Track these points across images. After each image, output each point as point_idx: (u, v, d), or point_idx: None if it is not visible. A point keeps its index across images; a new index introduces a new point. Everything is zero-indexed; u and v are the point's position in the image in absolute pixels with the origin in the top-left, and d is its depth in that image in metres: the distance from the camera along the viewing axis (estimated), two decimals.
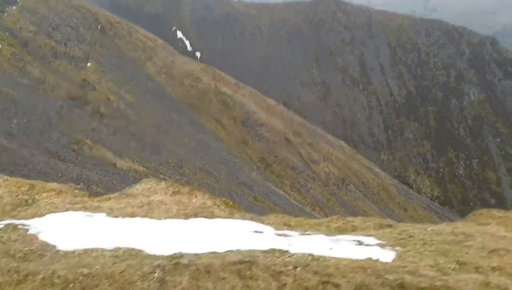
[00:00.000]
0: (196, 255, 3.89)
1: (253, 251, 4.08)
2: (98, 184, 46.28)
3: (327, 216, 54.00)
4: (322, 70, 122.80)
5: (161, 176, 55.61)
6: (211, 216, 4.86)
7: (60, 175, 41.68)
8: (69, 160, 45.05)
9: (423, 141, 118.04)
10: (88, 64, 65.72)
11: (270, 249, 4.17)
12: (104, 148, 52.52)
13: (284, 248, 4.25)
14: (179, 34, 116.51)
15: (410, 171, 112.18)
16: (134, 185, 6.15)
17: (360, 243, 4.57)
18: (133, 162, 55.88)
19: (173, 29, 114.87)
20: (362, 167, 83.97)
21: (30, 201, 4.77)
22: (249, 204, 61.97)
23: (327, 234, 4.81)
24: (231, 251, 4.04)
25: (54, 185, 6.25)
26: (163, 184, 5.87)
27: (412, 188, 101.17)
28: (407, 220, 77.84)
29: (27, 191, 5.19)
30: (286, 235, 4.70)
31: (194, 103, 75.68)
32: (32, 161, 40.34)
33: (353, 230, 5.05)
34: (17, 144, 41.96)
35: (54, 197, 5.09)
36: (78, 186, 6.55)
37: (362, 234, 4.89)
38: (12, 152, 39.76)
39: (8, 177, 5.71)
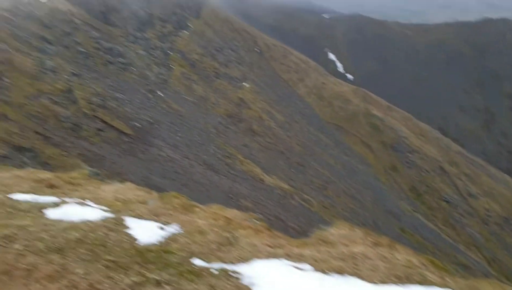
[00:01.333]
0: None
1: None
2: (247, 198, 48.13)
3: (485, 258, 48.27)
4: (485, 95, 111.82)
5: (305, 196, 55.89)
6: (424, 280, 4.17)
7: (213, 186, 44.42)
8: (222, 173, 47.81)
9: None
10: (245, 84, 69.62)
11: None
12: (254, 164, 54.65)
13: None
14: (331, 55, 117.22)
15: None
16: (324, 227, 5.74)
17: None
18: (279, 179, 57.13)
19: (325, 50, 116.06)
20: None
21: (232, 239, 4.63)
22: (395, 236, 58.58)
23: None
24: None
25: (235, 212, 6.17)
26: (358, 231, 5.35)
27: None
28: None
29: (225, 225, 5.12)
30: None
31: (342, 125, 74.78)
32: (190, 171, 43.74)
33: None
34: (179, 154, 45.95)
35: (252, 236, 4.91)
36: (257, 215, 6.38)
37: None
38: (175, 161, 43.62)
39: (204, 207, 5.76)
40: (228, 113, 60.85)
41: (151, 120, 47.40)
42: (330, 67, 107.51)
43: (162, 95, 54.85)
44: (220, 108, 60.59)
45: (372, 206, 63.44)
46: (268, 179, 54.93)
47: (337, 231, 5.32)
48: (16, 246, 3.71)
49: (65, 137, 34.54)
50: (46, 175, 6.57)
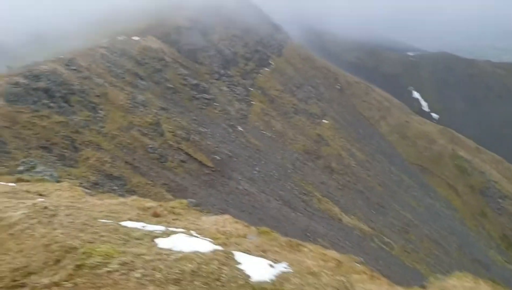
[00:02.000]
0: None
1: None
2: (324, 237, 46.88)
3: None
4: None
5: (385, 239, 53.40)
6: None
7: (290, 223, 43.82)
8: (299, 210, 47.19)
9: None
10: (324, 121, 69.25)
11: None
12: (332, 202, 53.43)
13: None
14: (416, 94, 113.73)
15: None
16: (443, 276, 5.21)
17: None
18: (358, 220, 55.23)
19: (410, 89, 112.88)
20: None
21: (347, 284, 4.29)
22: None
23: None
24: None
25: (335, 254, 5.81)
26: (483, 284, 4.77)
27: None
28: None
29: (336, 268, 4.81)
30: None
31: (427, 166, 71.39)
32: (267, 206, 43.65)
33: None
34: (256, 189, 46.15)
35: (368, 282, 4.54)
36: (358, 258, 5.97)
37: None
38: (252, 195, 43.84)
39: (311, 247, 5.49)
40: (306, 149, 60.58)
41: (230, 154, 48.38)
42: (414, 105, 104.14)
43: (241, 129, 56.03)
44: (298, 144, 60.54)
45: (458, 254, 59.30)
46: (347, 219, 53.35)
47: (459, 283, 4.77)
48: (136, 274, 3.67)
49: (151, 167, 36.14)
50: (150, 203, 6.69)
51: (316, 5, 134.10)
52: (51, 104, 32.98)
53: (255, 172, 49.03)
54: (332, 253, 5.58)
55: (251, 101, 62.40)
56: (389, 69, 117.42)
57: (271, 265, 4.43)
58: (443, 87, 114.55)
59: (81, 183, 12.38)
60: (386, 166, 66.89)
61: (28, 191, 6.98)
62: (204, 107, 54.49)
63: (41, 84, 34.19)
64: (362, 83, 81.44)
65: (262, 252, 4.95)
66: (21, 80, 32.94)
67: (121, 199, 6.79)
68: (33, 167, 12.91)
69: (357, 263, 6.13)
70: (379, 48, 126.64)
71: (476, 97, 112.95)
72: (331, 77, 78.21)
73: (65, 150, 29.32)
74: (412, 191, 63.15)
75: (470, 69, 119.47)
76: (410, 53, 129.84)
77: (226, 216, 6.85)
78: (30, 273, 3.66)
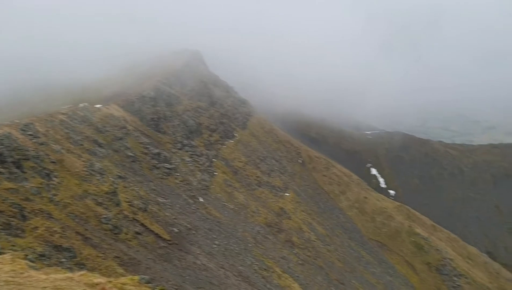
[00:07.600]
0: None
1: None
2: None
3: None
4: None
5: None
6: None
7: None
8: (258, 286, 45.55)
9: None
10: (286, 194, 69.40)
11: None
12: (291, 278, 52.08)
13: None
14: (373, 171, 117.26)
15: None
16: None
17: None
18: None
19: (368, 165, 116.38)
20: None
21: None
22: None
23: None
24: None
25: None
26: None
27: None
28: None
29: None
30: None
31: (385, 242, 71.82)
32: (225, 282, 41.93)
33: None
34: (215, 264, 44.52)
35: None
36: None
37: None
38: (210, 271, 42.15)
39: None
40: (268, 222, 59.89)
41: (189, 226, 46.98)
42: (372, 182, 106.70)
43: (202, 201, 55.03)
44: (260, 216, 59.88)
45: None
46: None
47: None
48: None
49: (104, 239, 34.34)
50: (98, 279, 6.06)
51: (278, 81, 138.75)
52: (1, 170, 31.41)
53: (215, 245, 47.58)
54: None
55: (214, 172, 62.06)
56: (348, 146, 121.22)
57: None
58: (399, 165, 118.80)
59: (26, 255, 11.43)
60: (345, 241, 66.75)
61: None
62: (164, 177, 53.52)
63: None
64: (323, 158, 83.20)
65: None
66: None
67: (68, 274, 6.13)
68: None
69: None
70: (339, 126, 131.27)
71: (431, 176, 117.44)
72: (293, 151, 79.64)
73: (12, 219, 27.52)
74: (371, 268, 62.77)
75: (424, 149, 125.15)
76: (368, 132, 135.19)
77: None
78: None
